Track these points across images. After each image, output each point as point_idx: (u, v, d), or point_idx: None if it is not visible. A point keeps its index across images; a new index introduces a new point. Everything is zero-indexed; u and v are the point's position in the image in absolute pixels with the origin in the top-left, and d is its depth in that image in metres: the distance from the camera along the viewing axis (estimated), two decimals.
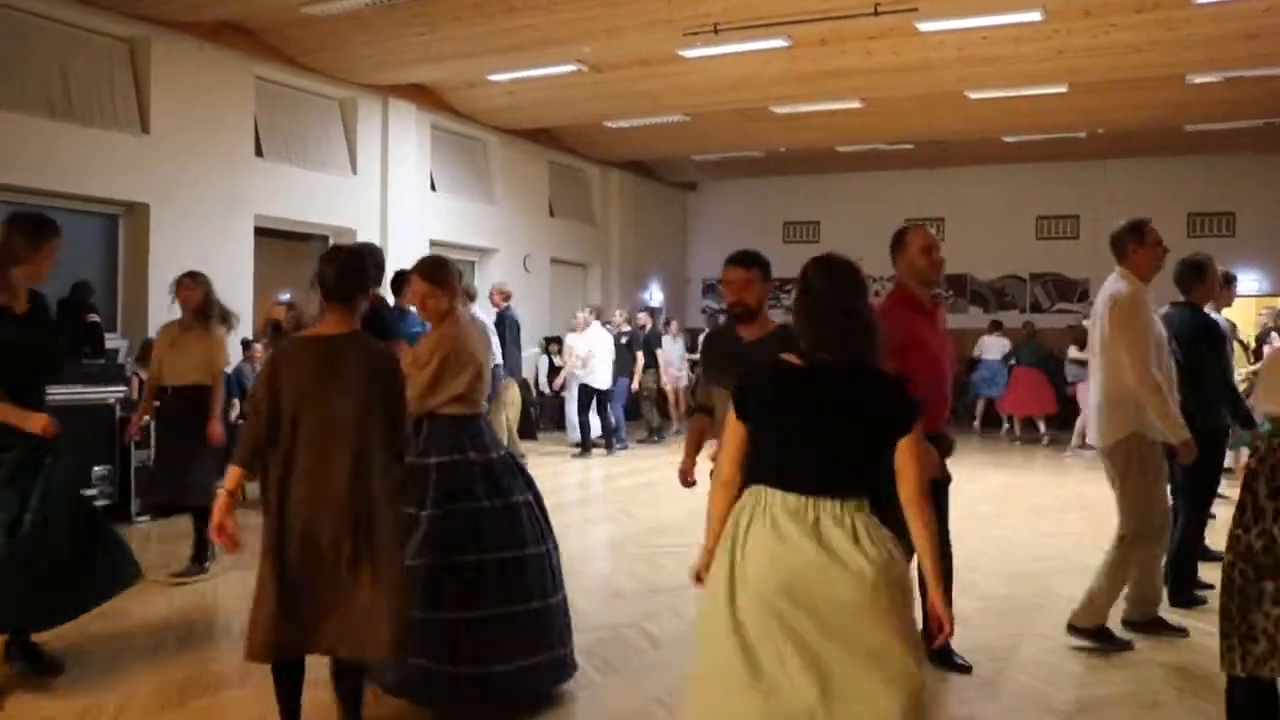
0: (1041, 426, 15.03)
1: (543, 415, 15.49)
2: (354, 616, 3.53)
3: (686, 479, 4.54)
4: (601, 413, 13.71)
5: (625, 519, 8.97)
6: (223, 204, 11.02)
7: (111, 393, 8.38)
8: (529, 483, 4.48)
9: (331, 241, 12.97)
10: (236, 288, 10.20)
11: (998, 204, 18.21)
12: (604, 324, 14.11)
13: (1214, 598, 6.17)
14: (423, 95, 13.71)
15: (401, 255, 12.58)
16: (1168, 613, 5.58)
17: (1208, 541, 6.36)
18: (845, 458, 2.88)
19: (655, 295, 19.01)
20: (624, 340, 14.27)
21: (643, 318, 15.25)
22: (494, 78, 12.85)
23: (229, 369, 7.89)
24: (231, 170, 11.16)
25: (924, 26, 10.37)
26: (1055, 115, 13.87)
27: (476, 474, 4.26)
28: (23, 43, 9.53)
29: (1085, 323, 6.98)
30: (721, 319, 17.04)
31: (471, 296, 11.45)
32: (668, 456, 13.23)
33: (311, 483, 3.56)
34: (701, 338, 4.91)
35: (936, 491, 4.73)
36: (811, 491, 2.84)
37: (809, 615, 2.75)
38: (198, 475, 6.63)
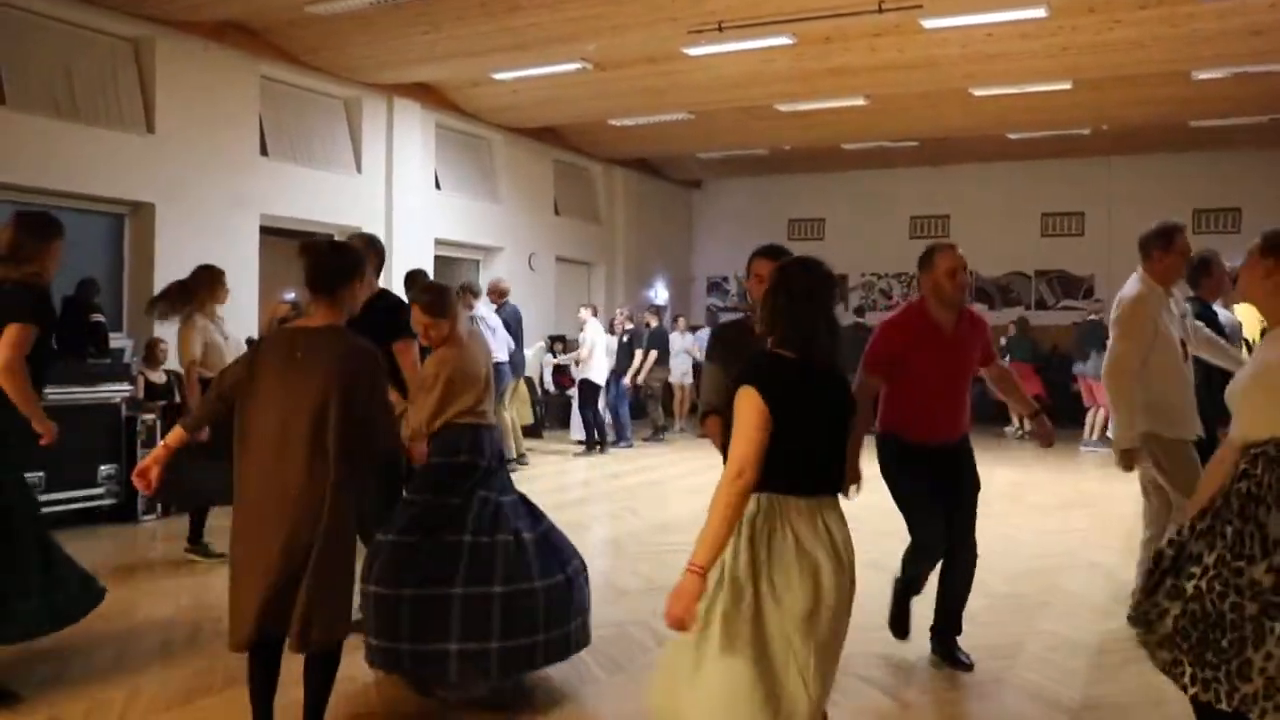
0: (1019, 422, 15.26)
1: (548, 413, 15.50)
2: (301, 606, 3.51)
3: None
4: (593, 410, 13.68)
5: (630, 517, 8.97)
6: (228, 203, 11.04)
7: (117, 392, 8.40)
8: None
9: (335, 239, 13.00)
10: (242, 287, 10.23)
11: (1002, 201, 18.19)
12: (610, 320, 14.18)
13: None
14: (427, 94, 13.72)
15: (407, 254, 12.62)
16: None
17: None
18: (838, 454, 3.00)
19: (660, 293, 19.00)
20: (625, 339, 14.28)
21: (649, 316, 15.25)
22: (498, 76, 12.86)
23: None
24: (237, 169, 11.18)
25: (928, 24, 10.36)
26: (1060, 112, 13.86)
27: (467, 473, 4.38)
28: (28, 43, 9.55)
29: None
30: (722, 318, 17.16)
31: (475, 295, 11.48)
32: (672, 455, 13.24)
33: (265, 474, 3.54)
34: (711, 333, 4.88)
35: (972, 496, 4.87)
36: (818, 491, 2.88)
37: (822, 623, 2.83)
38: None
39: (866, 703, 4.47)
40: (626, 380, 14.06)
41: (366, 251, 5.08)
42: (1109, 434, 5.85)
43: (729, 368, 4.29)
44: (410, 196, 13.55)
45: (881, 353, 4.70)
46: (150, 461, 3.63)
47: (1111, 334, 5.17)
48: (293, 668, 3.72)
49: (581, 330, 13.70)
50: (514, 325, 11.84)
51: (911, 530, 4.76)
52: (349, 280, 3.71)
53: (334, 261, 3.73)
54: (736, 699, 2.77)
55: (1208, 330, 5.45)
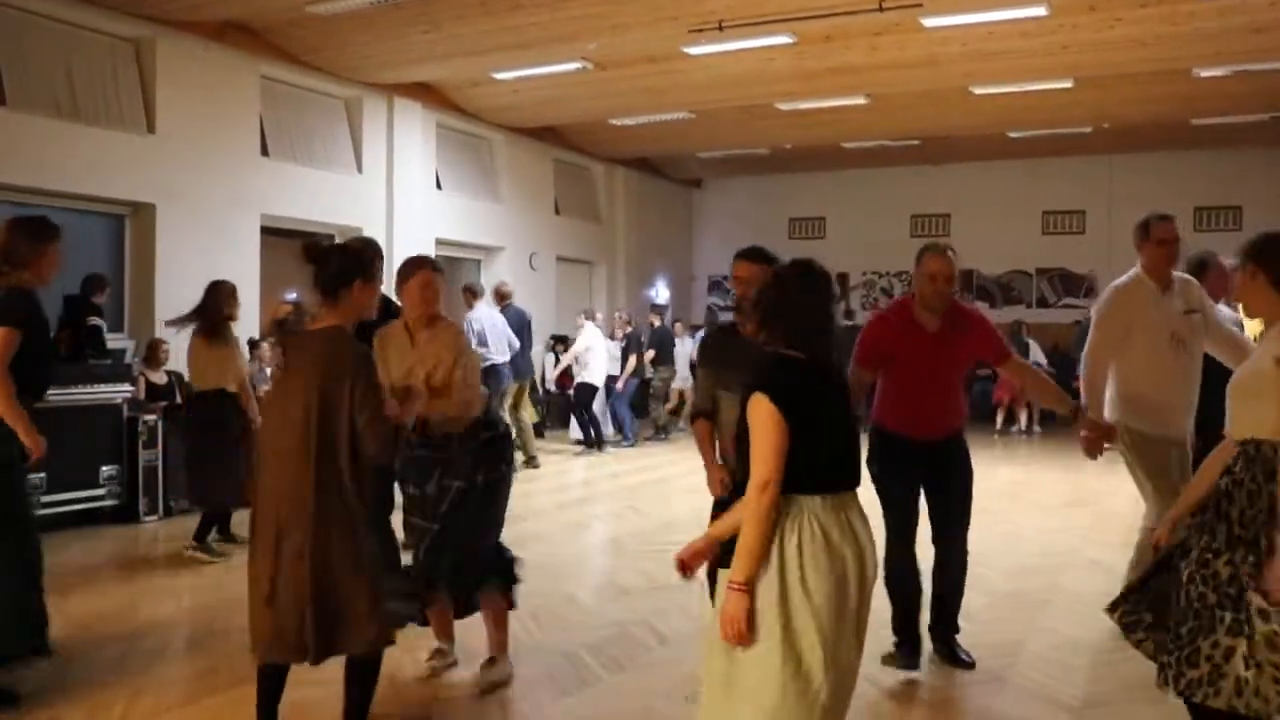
0: (1023, 419, 15.35)
1: (549, 414, 15.51)
2: (327, 616, 3.48)
3: (724, 487, 4.23)
4: (588, 411, 13.69)
5: (633, 516, 8.96)
6: (228, 203, 11.04)
7: (118, 392, 8.41)
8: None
9: (338, 241, 13.00)
10: (243, 287, 10.14)
11: (1003, 199, 18.19)
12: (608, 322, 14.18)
13: None
14: (428, 94, 13.72)
15: (408, 254, 12.56)
16: None
17: None
18: (854, 449, 3.04)
19: (661, 292, 19.00)
20: (624, 343, 14.28)
21: (652, 315, 15.26)
22: (499, 76, 12.86)
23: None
24: (237, 169, 11.18)
25: (929, 22, 10.36)
26: (1060, 110, 13.86)
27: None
28: (28, 43, 9.55)
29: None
30: (721, 317, 17.15)
31: (476, 294, 11.48)
32: (674, 454, 13.24)
33: (271, 483, 3.54)
34: (700, 336, 4.90)
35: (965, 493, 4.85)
36: (838, 488, 2.92)
37: (849, 618, 2.88)
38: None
39: (867, 702, 4.47)
40: (619, 384, 14.05)
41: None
42: None
43: (718, 372, 4.31)
44: (411, 196, 13.55)
45: (868, 346, 4.77)
46: None
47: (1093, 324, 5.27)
48: (300, 669, 3.72)
49: (579, 333, 13.76)
50: (520, 327, 11.84)
51: (884, 520, 4.79)
52: (347, 281, 3.65)
53: (332, 263, 3.69)
54: (771, 696, 2.80)
55: (1231, 329, 5.27)
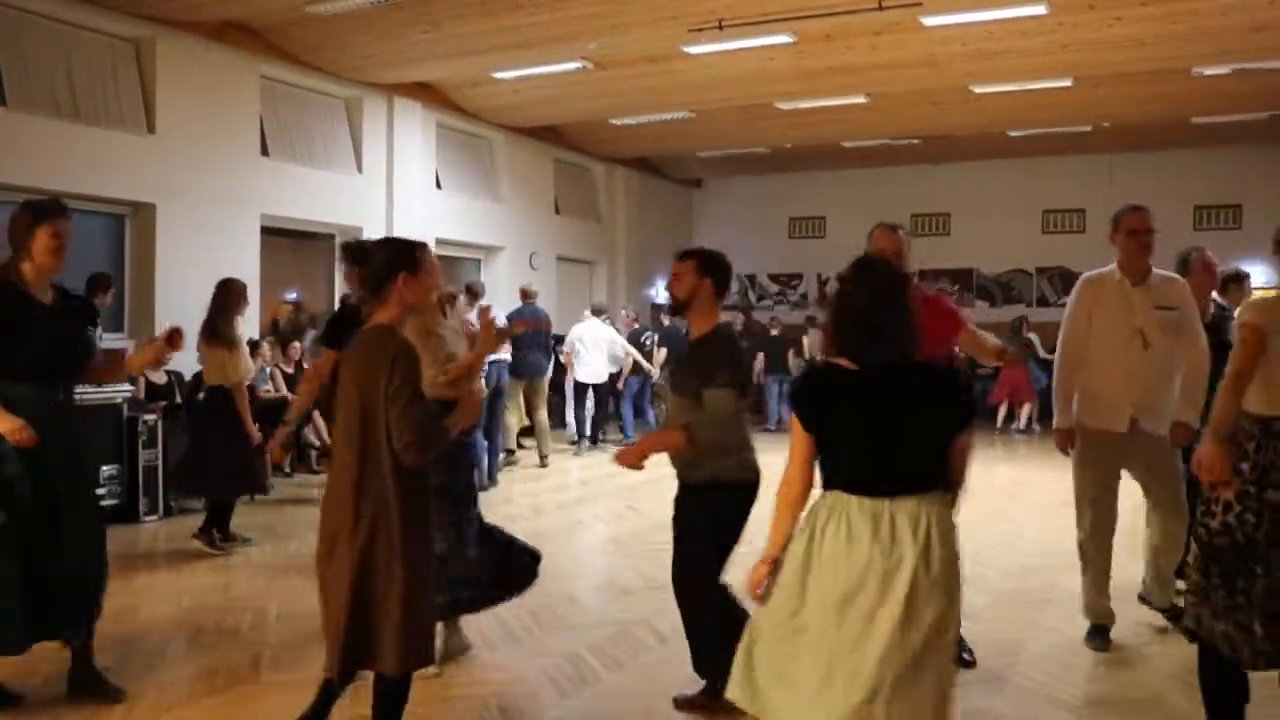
0: (1023, 419, 15.29)
1: (549, 413, 15.46)
2: (355, 632, 3.40)
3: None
4: (580, 409, 13.70)
5: (633, 516, 8.95)
6: (228, 203, 11.04)
7: (118, 392, 8.40)
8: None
9: (338, 240, 12.99)
10: None
11: (1003, 198, 18.19)
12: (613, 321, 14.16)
13: None
14: (428, 93, 13.72)
15: None
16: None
17: None
18: (920, 455, 2.95)
19: (661, 292, 18.98)
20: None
21: (663, 315, 15.26)
22: (499, 75, 12.86)
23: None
24: (237, 169, 11.18)
25: (929, 22, 10.36)
26: (1060, 109, 13.86)
27: None
28: (28, 43, 9.55)
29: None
30: (722, 315, 17.08)
31: (477, 295, 11.48)
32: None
33: (330, 486, 3.49)
34: (656, 335, 4.90)
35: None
36: (881, 493, 2.90)
37: (865, 619, 2.84)
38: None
39: None
40: (619, 382, 14.05)
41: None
42: None
43: (677, 384, 4.34)
44: (411, 196, 13.55)
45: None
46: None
47: None
48: (308, 668, 3.71)
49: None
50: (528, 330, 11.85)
51: None
52: (391, 276, 3.50)
53: (375, 259, 3.59)
54: (781, 676, 2.94)
55: (1197, 334, 5.00)
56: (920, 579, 2.83)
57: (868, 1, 9.64)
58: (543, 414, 12.19)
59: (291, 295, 13.80)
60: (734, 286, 19.76)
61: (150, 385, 9.09)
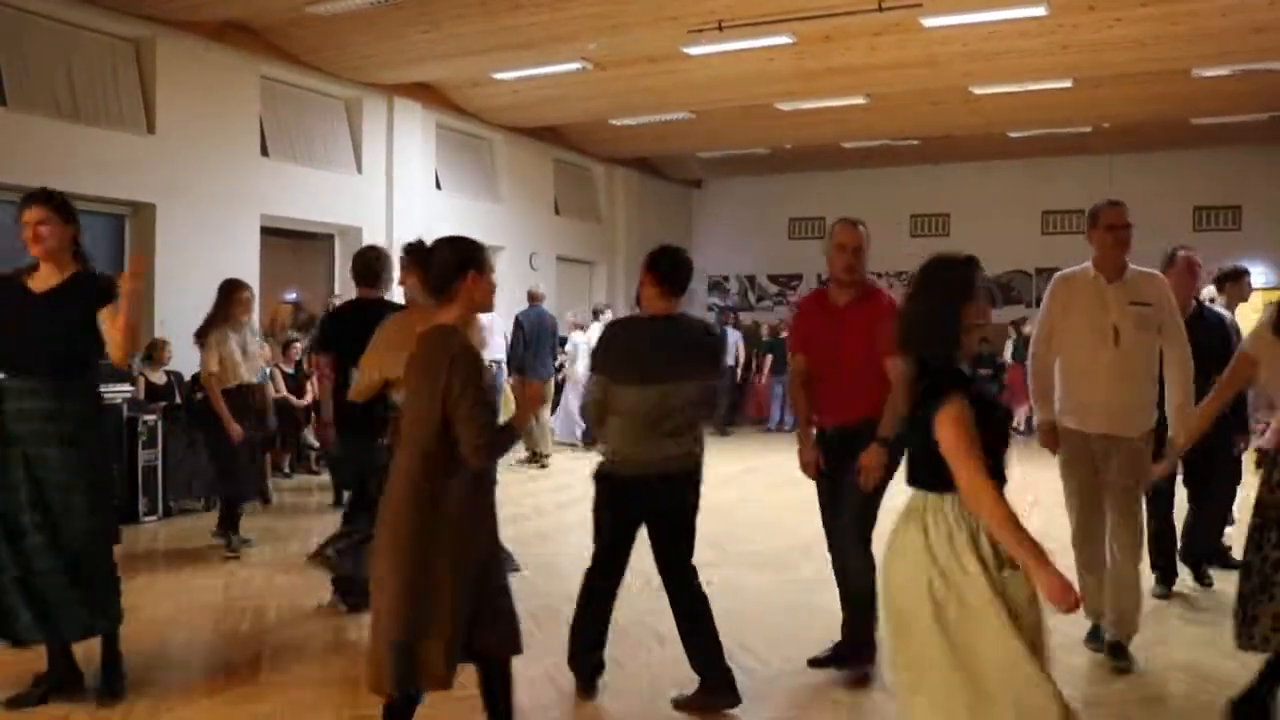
0: (1021, 417, 15.24)
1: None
2: (378, 646, 3.32)
3: None
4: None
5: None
6: (228, 203, 11.04)
7: (118, 393, 8.39)
8: None
9: (338, 241, 13.01)
10: None
11: (1003, 199, 18.18)
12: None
13: (1212, 598, 6.16)
14: (428, 94, 13.72)
15: None
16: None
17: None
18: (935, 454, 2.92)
19: None
20: None
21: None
22: (499, 76, 12.86)
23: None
24: (237, 169, 11.18)
25: (928, 22, 10.36)
26: (1060, 110, 13.86)
27: None
28: (28, 43, 9.55)
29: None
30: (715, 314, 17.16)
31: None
32: None
33: (390, 489, 3.37)
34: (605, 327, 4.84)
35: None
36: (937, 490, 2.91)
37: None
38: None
39: (867, 702, 4.47)
40: None
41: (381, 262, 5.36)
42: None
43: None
44: (410, 196, 13.55)
45: (793, 328, 4.91)
46: None
47: None
48: (308, 668, 3.71)
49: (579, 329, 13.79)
50: (539, 330, 11.83)
51: None
52: (461, 273, 3.40)
53: (441, 257, 3.47)
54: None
55: (1178, 334, 4.86)
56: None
57: (867, 2, 9.65)
58: (545, 413, 12.21)
59: (291, 295, 13.80)
60: (734, 287, 19.95)
61: (150, 385, 9.09)
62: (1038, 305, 19.34)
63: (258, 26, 11.03)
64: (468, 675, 4.71)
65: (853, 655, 4.73)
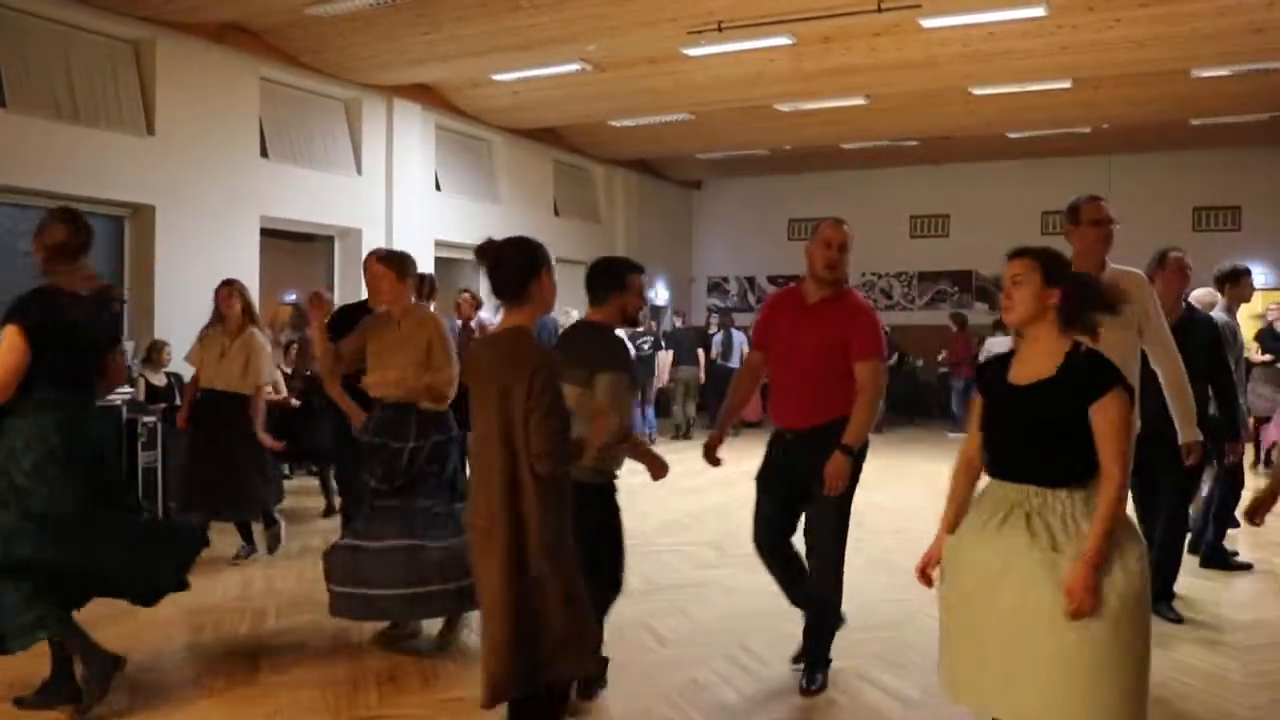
0: None
1: None
2: (486, 655, 3.27)
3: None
4: None
5: (632, 516, 8.93)
6: (228, 205, 11.04)
7: (118, 394, 8.38)
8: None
9: (337, 242, 13.01)
10: None
11: (1003, 200, 18.17)
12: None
13: (1194, 606, 6.16)
14: (427, 95, 13.72)
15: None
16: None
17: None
18: (1009, 444, 3.39)
19: (660, 293, 19.00)
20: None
21: (675, 318, 15.26)
22: (498, 77, 12.86)
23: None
24: (237, 171, 11.18)
25: (928, 23, 10.36)
26: (1060, 111, 13.86)
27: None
28: (28, 44, 9.55)
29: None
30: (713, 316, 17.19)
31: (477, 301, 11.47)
32: (671, 455, 13.20)
33: (472, 499, 3.34)
34: (651, 338, 4.94)
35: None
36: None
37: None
38: (254, 488, 7.06)
39: (867, 702, 4.48)
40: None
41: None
42: None
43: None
44: (410, 197, 13.55)
45: (757, 322, 4.83)
46: None
47: None
48: (308, 669, 3.70)
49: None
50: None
51: None
52: (535, 274, 3.41)
53: (513, 257, 3.48)
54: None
55: (1163, 336, 4.74)
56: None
57: (867, 3, 9.65)
58: None
59: (291, 297, 13.80)
60: (734, 288, 19.95)
61: (150, 387, 9.09)
62: None
63: (257, 28, 11.04)
64: (468, 675, 4.72)
65: (810, 658, 4.66)
